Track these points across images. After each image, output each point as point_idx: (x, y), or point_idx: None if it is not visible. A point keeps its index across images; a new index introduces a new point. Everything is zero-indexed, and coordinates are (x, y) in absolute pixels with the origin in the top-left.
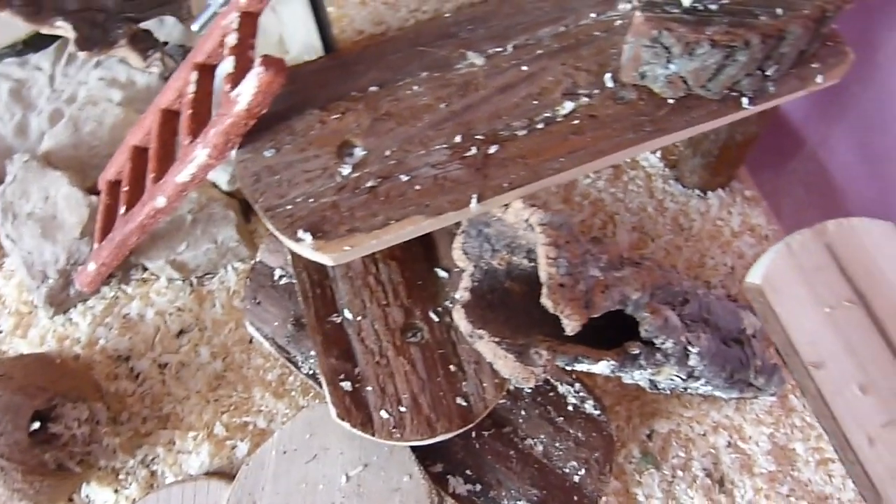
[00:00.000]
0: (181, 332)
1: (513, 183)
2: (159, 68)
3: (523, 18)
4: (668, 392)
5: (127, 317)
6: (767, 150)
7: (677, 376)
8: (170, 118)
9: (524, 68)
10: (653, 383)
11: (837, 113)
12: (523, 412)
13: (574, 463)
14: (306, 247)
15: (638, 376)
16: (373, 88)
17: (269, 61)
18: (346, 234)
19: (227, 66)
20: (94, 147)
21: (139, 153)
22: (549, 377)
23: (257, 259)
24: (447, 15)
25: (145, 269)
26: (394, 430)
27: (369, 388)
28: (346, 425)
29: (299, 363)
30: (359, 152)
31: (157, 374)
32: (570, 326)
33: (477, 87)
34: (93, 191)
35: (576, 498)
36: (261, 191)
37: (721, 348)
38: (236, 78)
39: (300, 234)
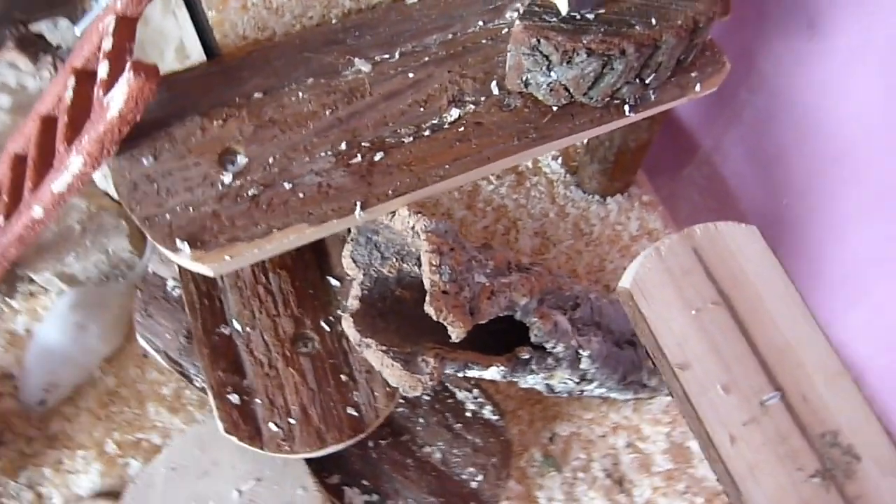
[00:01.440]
0: None
1: (397, 190)
2: (50, 73)
3: (411, 26)
4: (566, 395)
5: (13, 332)
6: (663, 155)
7: (570, 379)
8: (49, 125)
9: (411, 75)
10: (549, 387)
11: (729, 119)
12: (421, 420)
13: (472, 469)
14: (185, 257)
15: (532, 380)
16: (257, 95)
17: (140, 66)
18: (227, 244)
19: (101, 71)
20: None
21: (19, 161)
22: (447, 384)
23: (149, 269)
24: (334, 21)
25: (32, 281)
26: (283, 443)
27: (258, 401)
28: (234, 439)
29: (192, 377)
30: (241, 160)
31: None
32: (455, 333)
33: (363, 93)
34: None
35: None
36: (138, 200)
37: (613, 350)
38: (109, 83)
39: (178, 243)
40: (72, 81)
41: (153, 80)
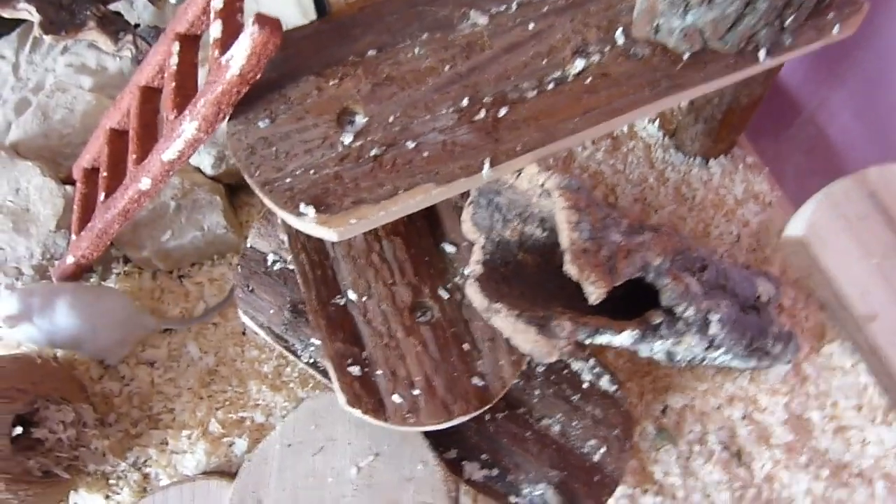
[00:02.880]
0: (167, 329)
1: (526, 145)
2: (131, 52)
3: None
4: (683, 365)
5: None
6: (766, 116)
7: (698, 345)
8: (150, 96)
9: (531, 26)
10: (670, 355)
11: (835, 75)
12: (537, 392)
13: (593, 441)
14: (309, 221)
15: (658, 347)
16: (371, 52)
17: (263, 20)
18: (352, 207)
19: (214, 31)
20: (65, 136)
21: (117, 136)
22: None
23: (247, 244)
24: None
25: (127, 262)
26: (408, 416)
27: (379, 372)
28: (357, 412)
29: (298, 352)
30: (360, 120)
31: (145, 373)
32: (595, 294)
33: (482, 47)
34: (67, 181)
35: (597, 478)
36: (256, 164)
37: (740, 315)
38: (225, 41)
39: (302, 207)
40: (176, 48)
41: (277, 34)
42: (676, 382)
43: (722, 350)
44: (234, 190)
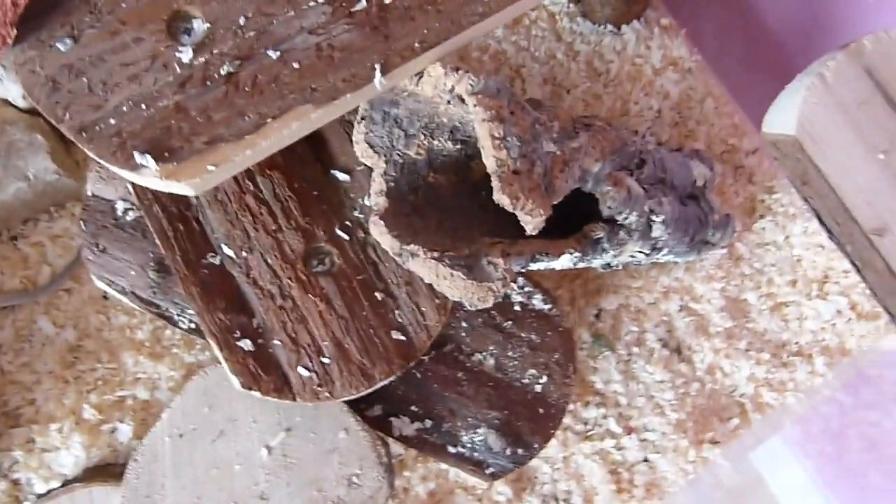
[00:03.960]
0: (7, 305)
1: (426, 40)
2: None
3: None
4: (619, 269)
5: None
6: None
7: (640, 251)
8: None
9: None
10: (608, 265)
11: None
12: (464, 324)
13: (533, 371)
14: (151, 175)
15: (597, 262)
16: None
17: None
18: (206, 148)
19: None
20: None
21: None
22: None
23: (88, 193)
24: None
25: None
26: (319, 389)
27: (276, 342)
28: (256, 394)
29: (174, 317)
30: (199, 26)
31: None
32: (533, 223)
33: None
34: None
35: (541, 410)
36: (63, 104)
37: (682, 210)
38: None
39: (138, 157)
40: None
41: None
42: (609, 283)
43: (664, 251)
44: None
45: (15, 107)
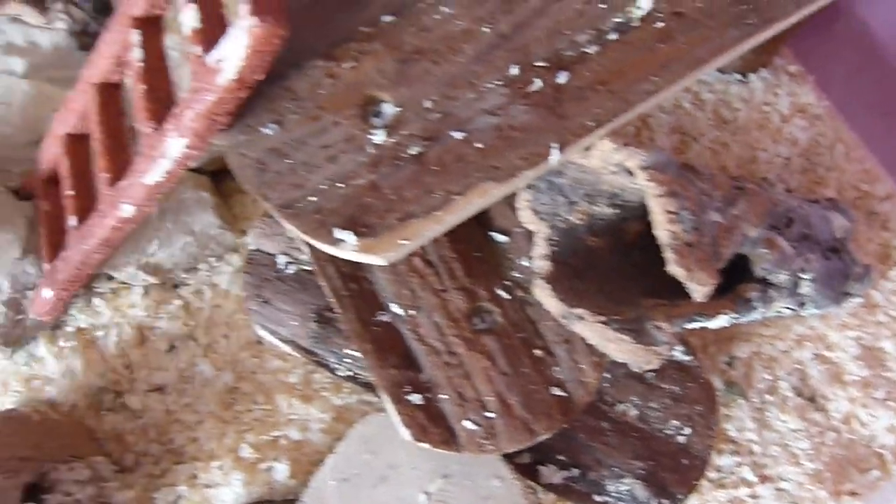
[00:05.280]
0: (172, 347)
1: (598, 118)
2: (66, 23)
3: None
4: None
5: (95, 339)
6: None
7: (787, 308)
8: (111, 95)
9: None
10: (762, 318)
11: None
12: (607, 375)
13: (675, 422)
14: (349, 248)
15: (747, 319)
16: (387, 18)
17: (262, 5)
18: (398, 224)
19: (188, 18)
20: (7, 136)
21: (76, 143)
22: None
23: (251, 247)
24: None
25: (111, 279)
26: (484, 442)
27: (443, 397)
28: (426, 446)
29: (333, 366)
30: (389, 109)
31: (157, 401)
32: (703, 292)
33: None
34: (23, 195)
35: (685, 461)
36: (270, 183)
37: (826, 265)
38: (210, 34)
39: (337, 233)
40: (136, 37)
41: (282, 23)
42: (741, 331)
43: (810, 305)
44: (217, 176)
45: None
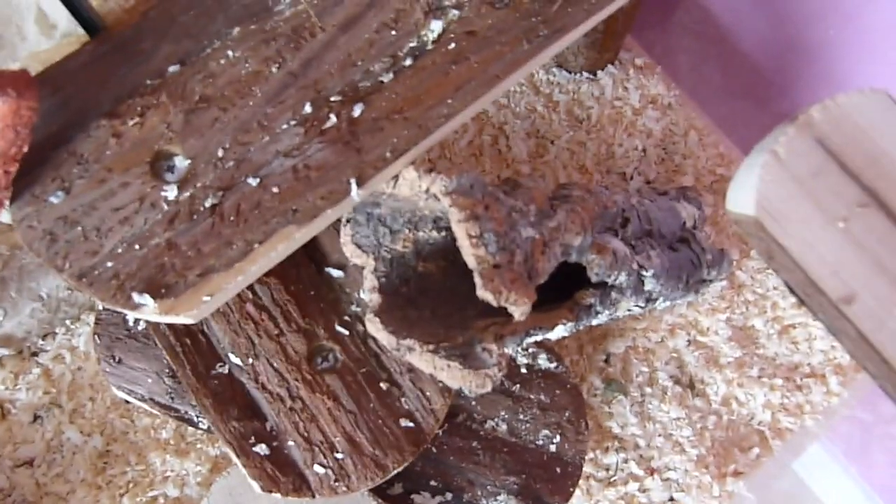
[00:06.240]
0: (37, 417)
1: (396, 148)
2: None
3: None
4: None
5: None
6: (648, 7)
7: (636, 306)
8: None
9: None
10: (611, 319)
11: None
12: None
13: (546, 431)
14: (150, 312)
15: (595, 322)
16: (173, 68)
17: (4, 80)
18: (200, 280)
19: None
20: None
21: None
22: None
23: (99, 307)
24: None
25: None
26: (336, 484)
27: (291, 443)
28: (277, 496)
29: (194, 419)
30: (181, 163)
31: (25, 476)
32: (520, 311)
33: (311, 31)
34: None
35: (559, 469)
36: (62, 254)
37: (672, 257)
38: None
39: (136, 298)
40: None
41: (30, 94)
42: (614, 327)
43: (660, 300)
44: None
45: None
